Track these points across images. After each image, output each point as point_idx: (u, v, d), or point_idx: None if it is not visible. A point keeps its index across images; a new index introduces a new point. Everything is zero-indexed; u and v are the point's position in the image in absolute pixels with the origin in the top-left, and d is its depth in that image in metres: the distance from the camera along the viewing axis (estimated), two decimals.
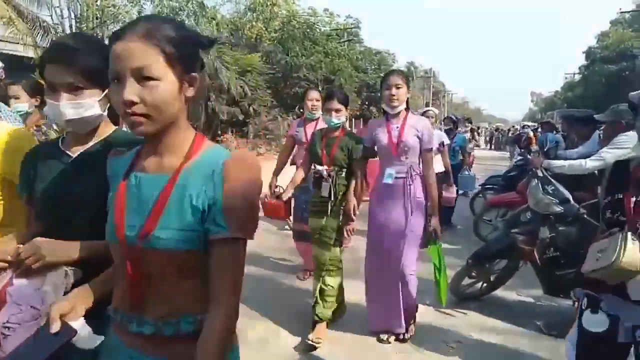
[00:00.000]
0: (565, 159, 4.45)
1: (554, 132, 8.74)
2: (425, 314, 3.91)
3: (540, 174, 3.82)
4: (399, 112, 3.25)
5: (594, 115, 4.41)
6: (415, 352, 3.34)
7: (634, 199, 1.75)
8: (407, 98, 3.30)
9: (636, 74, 30.53)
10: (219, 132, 20.78)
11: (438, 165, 5.93)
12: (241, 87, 19.78)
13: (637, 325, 1.72)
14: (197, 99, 1.18)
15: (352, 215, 3.37)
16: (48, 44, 16.35)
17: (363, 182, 3.47)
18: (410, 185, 3.20)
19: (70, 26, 16.94)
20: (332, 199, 3.38)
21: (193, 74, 1.14)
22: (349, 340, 3.46)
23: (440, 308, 4.01)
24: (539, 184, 3.72)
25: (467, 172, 7.61)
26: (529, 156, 5.08)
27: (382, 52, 33.97)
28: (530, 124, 23.32)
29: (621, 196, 1.79)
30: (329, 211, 3.40)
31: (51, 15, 16.74)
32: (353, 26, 31.58)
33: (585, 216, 3.46)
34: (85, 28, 16.63)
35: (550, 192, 3.67)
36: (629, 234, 1.69)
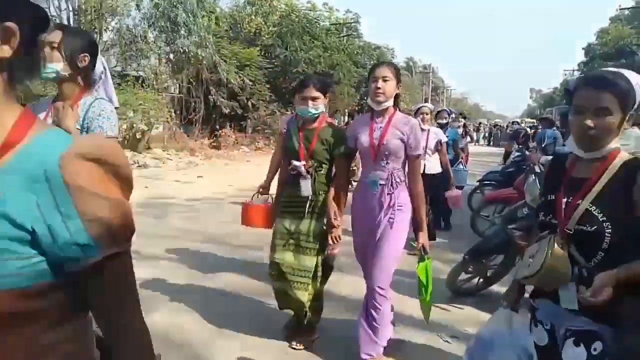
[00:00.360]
0: None
1: (553, 128, 8.74)
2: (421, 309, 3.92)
3: (537, 170, 3.83)
4: (385, 110, 2.90)
5: None
6: (411, 346, 3.35)
7: (565, 200, 1.62)
8: (397, 94, 2.93)
9: (635, 71, 30.49)
10: (218, 126, 20.76)
11: (435, 164, 5.82)
12: (241, 80, 19.75)
13: (569, 328, 1.61)
14: (22, 62, 0.82)
15: (334, 220, 3.06)
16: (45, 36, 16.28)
17: (346, 181, 3.18)
18: (389, 194, 2.86)
19: (68, 18, 16.86)
20: (312, 198, 3.06)
21: (6, 23, 0.78)
22: (345, 338, 3.47)
23: (436, 303, 4.02)
24: (536, 180, 3.73)
25: (461, 166, 7.55)
26: (527, 152, 5.07)
27: (381, 47, 33.92)
28: (523, 120, 23.21)
29: (554, 197, 1.66)
30: (306, 213, 3.08)
31: (48, 8, 16.66)
32: (352, 21, 31.48)
33: None
34: (83, 21, 16.56)
35: None
36: (557, 238, 1.58)
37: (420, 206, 2.94)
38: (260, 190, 3.50)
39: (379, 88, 2.82)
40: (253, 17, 24.04)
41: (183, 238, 6.14)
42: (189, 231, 6.55)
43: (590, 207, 1.54)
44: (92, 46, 2.24)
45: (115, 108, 2.33)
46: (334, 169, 3.20)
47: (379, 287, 2.91)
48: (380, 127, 2.89)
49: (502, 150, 13.52)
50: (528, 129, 13.53)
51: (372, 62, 31.81)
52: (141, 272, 4.69)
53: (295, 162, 3.04)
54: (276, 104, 21.76)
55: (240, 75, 19.97)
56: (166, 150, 16.96)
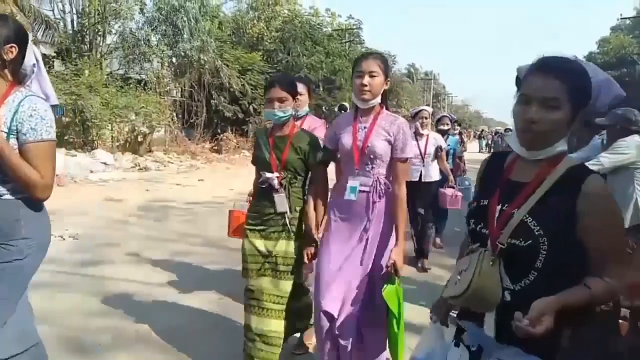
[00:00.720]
0: None
1: None
2: (419, 315, 3.91)
3: None
4: (370, 108, 2.54)
5: (596, 120, 4.41)
6: (408, 351, 3.34)
7: (499, 206, 1.38)
8: (385, 90, 2.55)
9: (636, 80, 30.60)
10: (219, 130, 20.80)
11: (434, 171, 5.50)
12: (242, 85, 19.82)
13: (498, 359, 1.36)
14: None
15: (314, 235, 2.66)
16: (50, 39, 16.42)
17: (324, 192, 2.74)
18: (375, 202, 2.48)
19: (72, 21, 16.95)
20: (288, 215, 2.65)
21: None
22: None
23: None
24: None
25: (467, 182, 7.25)
26: None
27: (383, 54, 34.07)
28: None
29: (486, 202, 1.42)
30: (282, 231, 2.67)
31: (52, 10, 16.76)
32: (354, 27, 31.61)
33: None
34: (87, 23, 16.63)
35: None
36: (488, 252, 1.33)
37: (399, 213, 2.50)
38: (249, 198, 3.27)
39: (365, 85, 2.45)
40: (256, 22, 24.16)
41: (183, 241, 6.14)
42: (189, 234, 6.55)
43: (526, 218, 1.30)
44: (20, 35, 1.93)
45: (52, 106, 2.03)
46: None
47: (377, 320, 2.49)
48: (365, 128, 2.53)
49: None
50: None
51: None
52: (140, 274, 4.69)
53: (267, 174, 2.65)
54: None
55: (242, 79, 20.04)
56: (167, 154, 16.99)
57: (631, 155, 3.41)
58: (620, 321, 1.73)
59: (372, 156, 2.49)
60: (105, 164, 13.09)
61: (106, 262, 5.06)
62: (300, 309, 2.94)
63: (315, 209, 2.69)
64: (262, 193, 2.71)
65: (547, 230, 1.27)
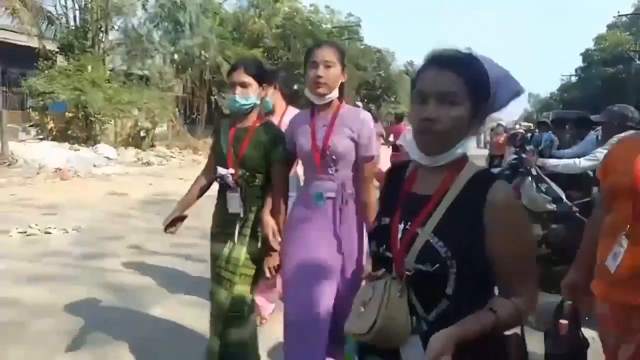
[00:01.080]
0: (560, 158, 4.51)
1: (550, 132, 8.84)
2: None
3: (534, 173, 3.87)
4: (328, 104, 2.22)
5: (591, 117, 4.47)
6: None
7: (401, 226, 1.18)
8: (342, 83, 2.23)
9: (632, 77, 30.61)
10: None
11: None
12: None
13: None
14: None
15: (274, 243, 2.34)
16: (52, 34, 16.45)
17: (284, 194, 2.42)
18: (341, 209, 2.19)
19: (75, 17, 16.99)
20: (242, 216, 2.38)
21: None
22: None
23: None
24: (533, 183, 3.78)
25: None
26: (523, 155, 5.13)
27: (382, 51, 34.01)
28: (519, 123, 22.53)
29: (388, 221, 1.22)
30: (236, 234, 2.39)
31: (55, 6, 16.80)
32: (354, 24, 31.61)
33: (578, 214, 3.55)
34: (89, 19, 16.68)
35: (544, 190, 3.74)
36: (395, 280, 1.13)
37: (369, 218, 2.17)
38: None
39: (320, 76, 2.14)
40: (256, 19, 24.18)
41: (183, 234, 6.10)
42: (191, 227, 6.51)
43: (432, 238, 1.12)
44: None
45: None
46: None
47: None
48: (324, 126, 2.22)
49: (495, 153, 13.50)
50: (522, 131, 13.56)
51: (372, 66, 32.02)
52: (142, 267, 4.75)
53: (222, 170, 2.37)
54: None
55: None
56: (170, 148, 17.07)
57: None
58: (560, 321, 1.64)
59: (334, 157, 2.19)
60: (108, 158, 13.17)
61: (109, 255, 5.11)
62: (241, 342, 2.50)
63: (273, 213, 2.37)
64: (219, 191, 2.49)
65: (454, 250, 1.11)
